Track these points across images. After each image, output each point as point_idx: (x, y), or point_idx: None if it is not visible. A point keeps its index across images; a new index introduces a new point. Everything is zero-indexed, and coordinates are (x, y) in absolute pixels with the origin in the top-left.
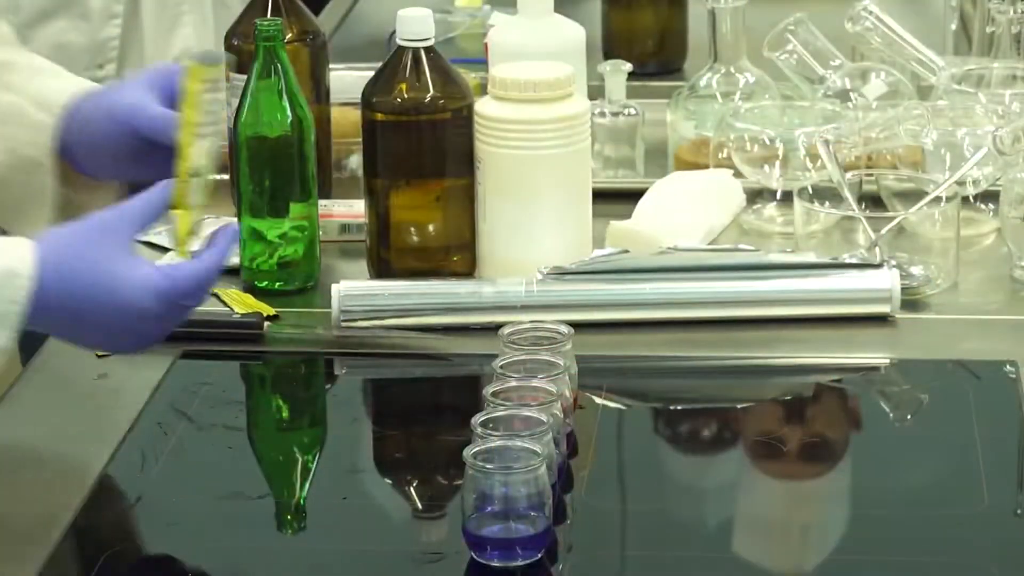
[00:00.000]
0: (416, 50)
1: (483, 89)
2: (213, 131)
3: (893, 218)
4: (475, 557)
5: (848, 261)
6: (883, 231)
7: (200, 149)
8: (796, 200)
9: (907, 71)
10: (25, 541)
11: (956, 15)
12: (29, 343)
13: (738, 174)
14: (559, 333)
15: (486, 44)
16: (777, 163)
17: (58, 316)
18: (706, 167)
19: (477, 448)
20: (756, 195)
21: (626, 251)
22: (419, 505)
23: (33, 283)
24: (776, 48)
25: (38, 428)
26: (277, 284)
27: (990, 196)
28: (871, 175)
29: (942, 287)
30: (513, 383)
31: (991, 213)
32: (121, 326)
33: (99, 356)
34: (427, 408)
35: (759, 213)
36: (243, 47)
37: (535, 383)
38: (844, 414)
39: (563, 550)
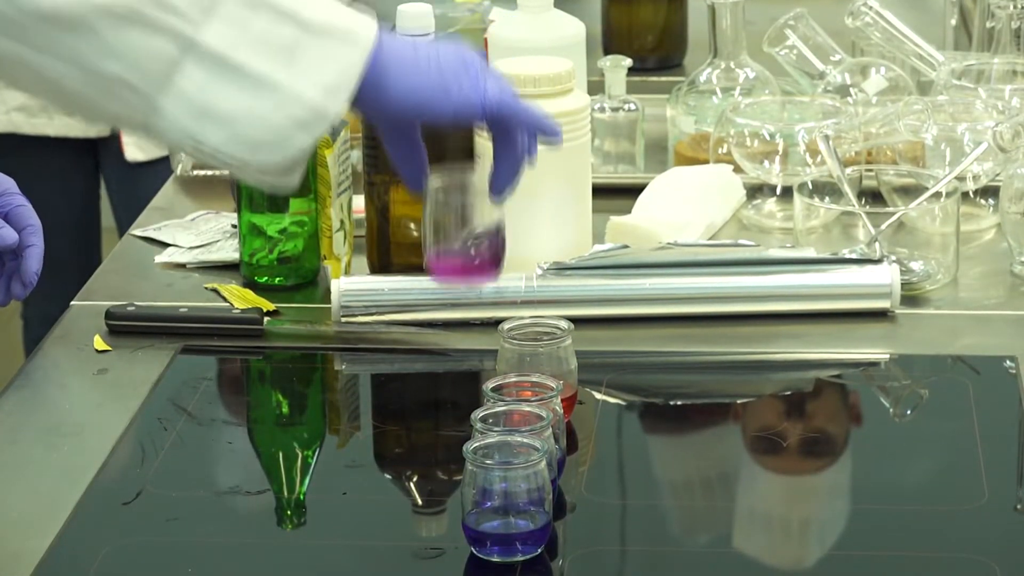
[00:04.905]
0: None
1: None
2: (348, 188)
3: (893, 213)
4: (475, 552)
5: (848, 256)
6: (883, 226)
7: (338, 206)
8: (796, 195)
9: (907, 66)
10: (24, 535)
11: (956, 10)
12: (30, 340)
13: (738, 169)
14: (559, 328)
15: (486, 39)
16: (777, 158)
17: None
18: (706, 162)
19: (477, 444)
20: (756, 190)
21: (626, 246)
22: (419, 500)
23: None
24: (776, 43)
25: (38, 423)
26: (277, 279)
27: (990, 191)
28: (871, 170)
29: (942, 282)
30: (513, 379)
31: (991, 208)
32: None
33: (99, 351)
34: (427, 403)
35: (759, 208)
36: None
37: (534, 379)
38: (844, 409)
39: (563, 545)
